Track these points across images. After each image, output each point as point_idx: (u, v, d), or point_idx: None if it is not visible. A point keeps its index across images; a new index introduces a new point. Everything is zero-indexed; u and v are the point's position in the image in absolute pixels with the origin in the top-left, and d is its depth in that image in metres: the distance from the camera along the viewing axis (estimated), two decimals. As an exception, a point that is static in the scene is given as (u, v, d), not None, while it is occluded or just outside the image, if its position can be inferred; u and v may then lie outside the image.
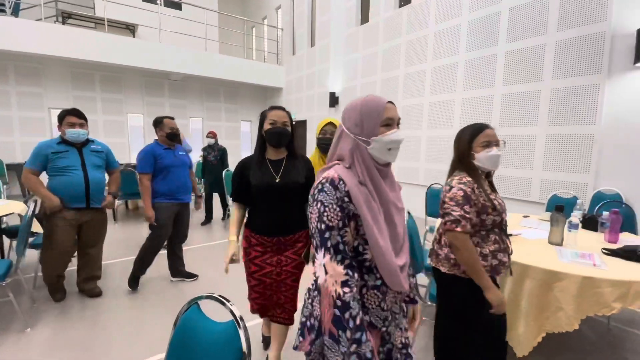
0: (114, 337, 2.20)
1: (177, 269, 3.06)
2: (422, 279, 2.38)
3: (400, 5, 6.11)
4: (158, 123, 2.85)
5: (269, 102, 10.77)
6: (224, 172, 5.00)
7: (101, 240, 2.78)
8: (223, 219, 5.39)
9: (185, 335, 0.93)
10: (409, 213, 2.24)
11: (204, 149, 5.17)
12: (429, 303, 1.98)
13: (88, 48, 6.60)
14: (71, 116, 2.45)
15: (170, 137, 2.83)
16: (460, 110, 5.01)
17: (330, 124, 2.13)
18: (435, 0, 5.28)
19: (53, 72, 7.40)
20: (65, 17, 7.39)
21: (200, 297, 0.96)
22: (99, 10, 7.80)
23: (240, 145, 10.64)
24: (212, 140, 5.11)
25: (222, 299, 0.92)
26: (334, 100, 7.47)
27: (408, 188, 5.93)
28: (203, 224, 5.11)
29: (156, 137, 2.88)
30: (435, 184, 3.97)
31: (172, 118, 2.89)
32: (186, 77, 8.60)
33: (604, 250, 1.89)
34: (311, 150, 9.06)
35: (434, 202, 3.78)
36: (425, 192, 3.85)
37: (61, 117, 2.44)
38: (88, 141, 2.59)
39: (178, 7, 9.15)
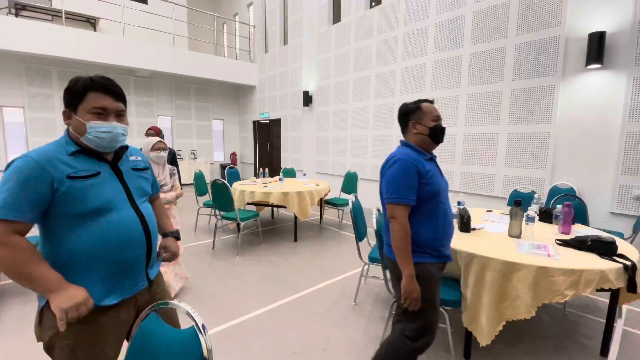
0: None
1: None
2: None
3: (371, 6, 6.19)
4: (412, 111, 1.57)
5: (241, 100, 10.60)
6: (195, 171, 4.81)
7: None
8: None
9: (144, 343, 0.90)
10: (378, 210, 2.28)
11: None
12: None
13: (44, 42, 6.18)
14: (102, 94, 1.06)
15: (435, 134, 1.55)
16: (429, 109, 5.16)
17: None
18: (404, 2, 5.39)
19: (4, 67, 6.89)
20: (18, 9, 6.87)
21: (159, 305, 0.92)
22: (56, 1, 7.32)
23: (213, 145, 10.40)
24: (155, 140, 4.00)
25: (181, 306, 0.89)
26: (307, 99, 7.46)
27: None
28: None
29: (402, 137, 1.64)
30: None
31: (431, 102, 1.60)
32: (153, 73, 8.28)
33: (558, 241, 2.02)
34: (286, 149, 8.99)
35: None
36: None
37: (78, 93, 1.05)
38: (123, 147, 1.21)
39: (143, 0, 8.77)
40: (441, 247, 1.51)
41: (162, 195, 2.47)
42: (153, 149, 2.58)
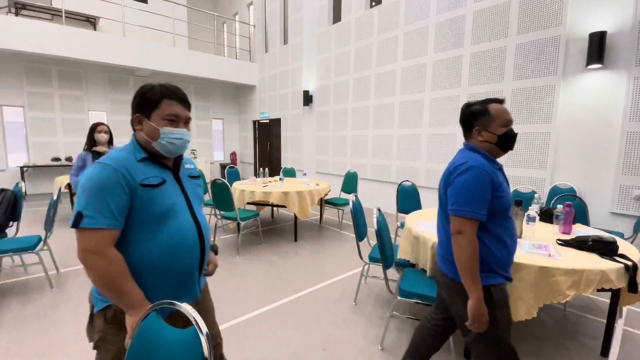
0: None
1: None
2: (392, 273, 2.43)
3: (372, 6, 6.19)
4: (478, 115, 1.35)
5: (241, 100, 10.59)
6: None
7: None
8: None
9: (144, 343, 0.89)
10: (378, 210, 2.28)
11: None
12: (399, 297, 2.02)
13: (44, 41, 6.17)
14: (175, 101, 1.08)
15: (505, 142, 1.35)
16: (429, 109, 5.16)
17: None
18: (404, 2, 5.39)
19: (4, 66, 6.89)
20: (18, 8, 6.87)
21: (160, 304, 0.92)
22: (56, 1, 7.32)
23: (213, 144, 10.39)
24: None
25: (181, 306, 0.88)
26: (307, 98, 7.46)
27: (380, 185, 6.04)
28: None
29: (466, 141, 1.44)
30: (406, 181, 4.06)
31: (500, 102, 1.37)
32: (153, 73, 8.27)
33: (559, 241, 2.02)
34: (286, 149, 9.01)
35: (405, 199, 3.87)
36: (396, 189, 3.93)
37: (154, 100, 1.06)
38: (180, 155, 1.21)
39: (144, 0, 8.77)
40: (509, 267, 1.36)
41: None
42: None
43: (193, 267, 1.12)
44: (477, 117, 1.36)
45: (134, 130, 1.10)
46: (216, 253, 1.36)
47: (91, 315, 1.07)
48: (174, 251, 1.05)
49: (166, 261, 1.04)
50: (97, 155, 3.15)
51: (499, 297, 1.29)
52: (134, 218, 1.00)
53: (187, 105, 1.13)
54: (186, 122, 1.13)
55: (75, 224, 0.93)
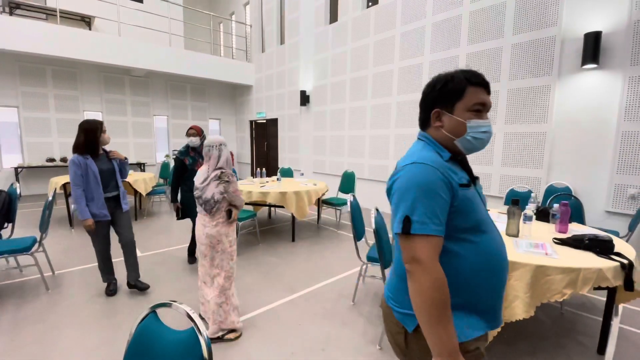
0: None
1: None
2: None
3: (368, 6, 6.19)
4: None
5: (238, 99, 10.56)
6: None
7: None
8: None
9: (143, 344, 0.89)
10: (377, 209, 2.28)
11: (182, 153, 3.26)
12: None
13: (38, 40, 6.12)
14: (480, 88, 0.95)
15: None
16: (426, 109, 5.17)
17: None
18: (401, 2, 5.40)
19: (-2, 66, 6.82)
20: (12, 8, 6.80)
21: (159, 305, 0.91)
22: (51, 0, 7.26)
23: (209, 145, 10.34)
24: (196, 141, 3.21)
25: (180, 305, 0.88)
26: (304, 98, 7.45)
27: (378, 185, 6.05)
28: (190, 262, 3.49)
29: None
30: (404, 181, 4.07)
31: None
32: (149, 73, 8.23)
33: (555, 240, 2.03)
34: (283, 149, 9.01)
35: (403, 199, 3.87)
36: (394, 189, 3.94)
37: (458, 90, 0.94)
38: None
39: (139, -1, 8.72)
40: None
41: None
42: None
43: (503, 289, 0.94)
44: None
45: (426, 127, 0.98)
46: None
47: (405, 339, 0.92)
48: (494, 267, 0.90)
49: (487, 277, 0.89)
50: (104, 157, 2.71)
51: None
52: (454, 225, 0.87)
53: (489, 90, 0.96)
54: (488, 110, 0.96)
55: (406, 230, 0.82)
